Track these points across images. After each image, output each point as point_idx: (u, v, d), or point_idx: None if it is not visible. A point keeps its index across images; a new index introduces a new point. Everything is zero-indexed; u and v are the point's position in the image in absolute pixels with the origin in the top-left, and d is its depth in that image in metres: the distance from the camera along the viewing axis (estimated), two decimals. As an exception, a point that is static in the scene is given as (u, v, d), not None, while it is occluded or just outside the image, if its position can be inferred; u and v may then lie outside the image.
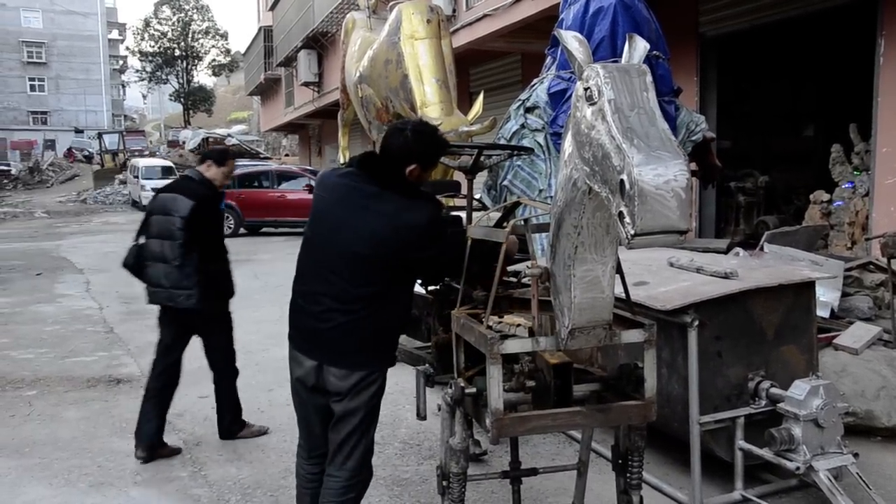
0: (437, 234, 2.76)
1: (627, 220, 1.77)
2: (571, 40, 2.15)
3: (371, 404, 2.87)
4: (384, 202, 2.73)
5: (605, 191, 1.90)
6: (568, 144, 2.15)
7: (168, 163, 29.73)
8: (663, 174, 1.76)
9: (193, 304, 4.40)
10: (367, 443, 2.91)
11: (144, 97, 72.84)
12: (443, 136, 3.00)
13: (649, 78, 1.99)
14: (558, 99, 6.13)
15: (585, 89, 2.00)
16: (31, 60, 56.18)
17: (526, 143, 6.14)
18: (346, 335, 2.79)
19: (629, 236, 1.79)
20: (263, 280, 10.76)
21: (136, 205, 28.07)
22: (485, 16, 11.59)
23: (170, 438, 4.83)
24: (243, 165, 22.05)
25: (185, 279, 4.37)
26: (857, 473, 3.49)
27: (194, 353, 6.95)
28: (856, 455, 3.54)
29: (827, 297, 5.39)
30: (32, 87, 56.62)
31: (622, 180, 1.79)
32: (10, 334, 7.89)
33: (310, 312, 2.86)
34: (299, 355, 2.91)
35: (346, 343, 2.79)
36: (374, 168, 2.82)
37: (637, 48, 2.12)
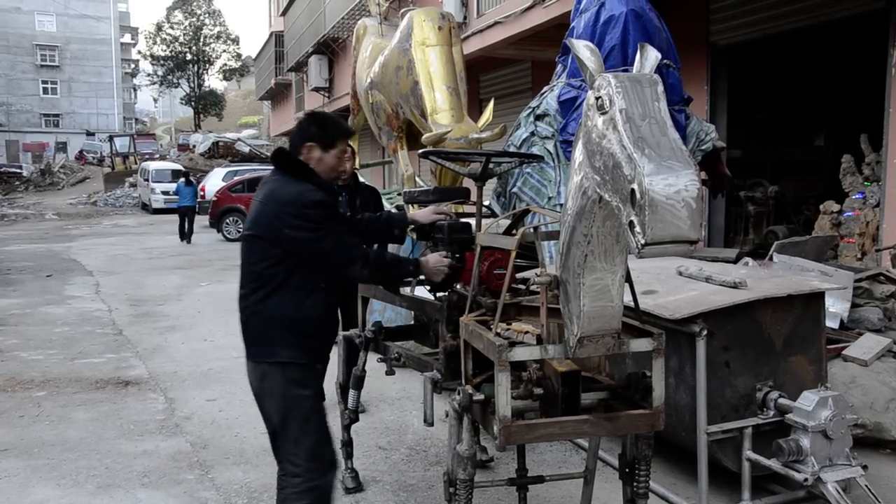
0: (310, 216, 2.79)
1: (638, 229, 1.77)
2: (583, 49, 2.15)
3: (284, 403, 2.85)
4: (271, 184, 2.92)
5: (615, 200, 1.90)
6: (579, 153, 2.15)
7: (178, 166, 29.88)
8: (674, 184, 1.76)
9: None
10: (303, 449, 2.85)
11: (155, 101, 73.43)
12: (335, 118, 3.15)
13: (661, 88, 1.99)
14: (568, 107, 6.13)
15: (597, 98, 2.00)
16: (44, 63, 56.53)
17: (535, 150, 6.14)
18: (247, 322, 2.90)
19: (640, 246, 1.79)
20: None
21: (146, 207, 28.23)
22: (496, 23, 11.60)
23: (177, 441, 4.86)
24: (252, 170, 22.18)
25: None
26: (866, 486, 3.47)
27: (204, 356, 7.00)
28: (865, 467, 3.52)
29: (836, 307, 5.36)
30: (45, 90, 56.95)
31: (633, 190, 1.79)
32: (20, 335, 7.94)
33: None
34: None
35: (250, 332, 2.90)
36: (278, 159, 3.00)
37: (649, 58, 2.13)
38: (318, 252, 2.85)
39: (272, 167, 3.04)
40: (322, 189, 2.90)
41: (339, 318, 3.56)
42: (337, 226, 2.94)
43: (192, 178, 19.38)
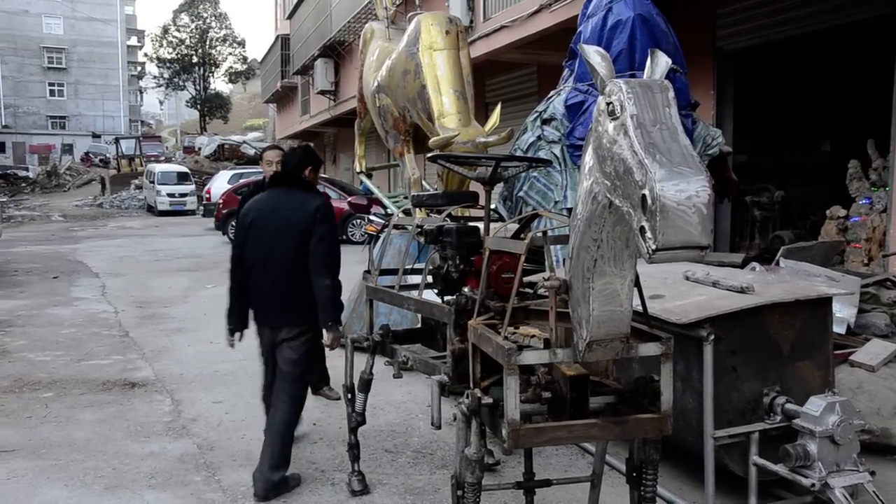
0: (324, 217, 4.06)
1: (649, 235, 1.78)
2: (594, 55, 2.17)
3: (306, 348, 4.19)
4: (294, 196, 4.14)
5: (626, 205, 1.91)
6: (589, 158, 2.16)
7: (184, 168, 29.95)
8: (685, 190, 1.77)
9: None
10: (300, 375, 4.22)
11: (161, 103, 73.54)
12: (314, 152, 4.61)
13: (671, 94, 2.00)
14: (575, 111, 6.14)
15: (608, 104, 2.01)
16: (51, 66, 56.76)
17: (542, 154, 6.15)
18: (290, 300, 4.07)
19: (650, 251, 1.80)
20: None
21: (151, 210, 28.29)
22: (502, 27, 11.60)
23: (184, 443, 4.87)
24: (257, 172, 22.24)
25: None
26: (874, 492, 3.47)
27: (210, 358, 7.01)
28: (872, 473, 3.52)
29: (843, 313, 5.36)
30: (52, 92, 57.16)
31: (644, 195, 1.80)
32: (27, 336, 7.97)
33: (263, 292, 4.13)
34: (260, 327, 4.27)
35: (293, 307, 4.07)
36: (285, 179, 4.27)
37: (659, 63, 2.14)
38: (333, 250, 4.11)
39: (275, 187, 4.27)
40: (323, 197, 4.26)
41: None
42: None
43: None
